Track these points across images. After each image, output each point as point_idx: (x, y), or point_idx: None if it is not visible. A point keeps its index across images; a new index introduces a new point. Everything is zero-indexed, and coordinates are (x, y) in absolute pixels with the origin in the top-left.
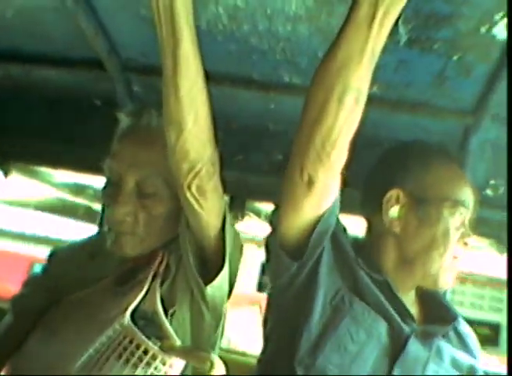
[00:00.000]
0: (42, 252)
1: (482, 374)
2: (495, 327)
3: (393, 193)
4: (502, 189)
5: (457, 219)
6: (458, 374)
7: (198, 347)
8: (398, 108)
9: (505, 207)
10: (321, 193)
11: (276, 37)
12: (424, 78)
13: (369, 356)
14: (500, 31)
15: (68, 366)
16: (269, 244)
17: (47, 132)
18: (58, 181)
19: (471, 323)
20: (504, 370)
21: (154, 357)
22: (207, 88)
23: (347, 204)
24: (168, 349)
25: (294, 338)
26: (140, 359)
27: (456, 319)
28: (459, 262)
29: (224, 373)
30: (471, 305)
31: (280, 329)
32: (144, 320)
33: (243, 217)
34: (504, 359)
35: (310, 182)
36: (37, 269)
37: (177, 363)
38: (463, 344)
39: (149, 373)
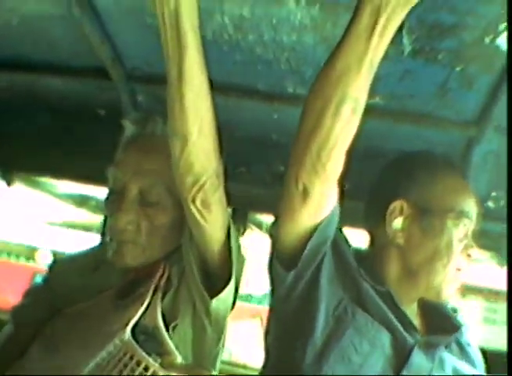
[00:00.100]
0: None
1: (482, 374)
2: None
3: (397, 204)
4: (504, 202)
5: (461, 231)
6: None
7: (199, 364)
8: (402, 119)
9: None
10: (317, 203)
11: (281, 47)
12: (428, 89)
13: (373, 367)
14: (504, 42)
15: None
16: (270, 257)
17: (51, 142)
18: (61, 192)
19: None
20: None
21: (155, 374)
22: (212, 98)
23: (350, 216)
24: (169, 366)
25: (296, 349)
26: None
27: (459, 330)
28: (462, 273)
29: None
30: None
31: (282, 341)
32: (144, 335)
33: (245, 229)
34: None
35: (305, 192)
36: (39, 280)
37: None
38: (465, 354)
39: None
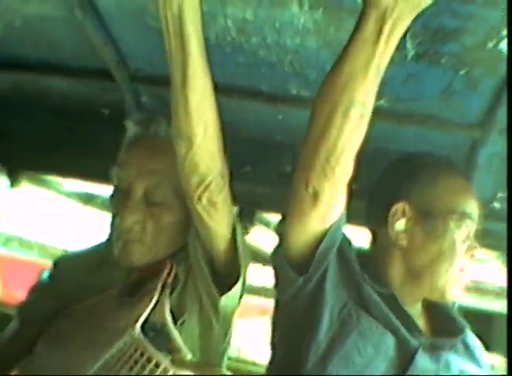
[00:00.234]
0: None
1: (483, 374)
2: None
3: (399, 206)
4: None
5: (463, 232)
6: None
7: (209, 362)
8: (406, 121)
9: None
10: (327, 206)
11: (285, 49)
12: (432, 92)
13: (376, 370)
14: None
15: None
16: (276, 255)
17: (55, 142)
18: (67, 190)
19: None
20: None
21: (166, 371)
22: (216, 100)
23: (356, 216)
24: (179, 363)
25: (301, 350)
26: (151, 373)
27: (464, 331)
28: (466, 274)
29: None
30: None
31: (287, 341)
32: (154, 332)
33: (251, 228)
34: None
35: (315, 196)
36: (45, 276)
37: None
38: (470, 355)
39: None
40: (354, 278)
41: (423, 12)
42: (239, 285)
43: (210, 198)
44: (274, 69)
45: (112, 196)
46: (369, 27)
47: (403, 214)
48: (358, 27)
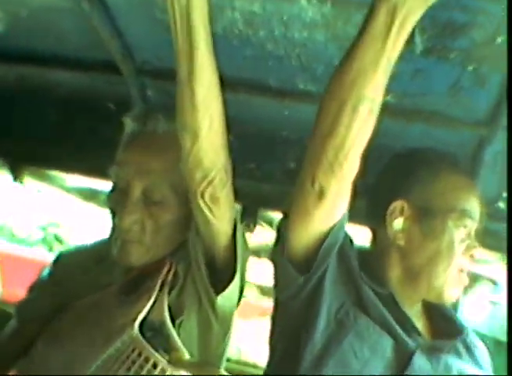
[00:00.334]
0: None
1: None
2: None
3: (397, 204)
4: None
5: (462, 231)
6: None
7: (207, 361)
8: (413, 117)
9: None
10: (332, 204)
11: (292, 43)
12: (439, 88)
13: (372, 373)
14: None
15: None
16: (276, 253)
17: (60, 135)
18: (70, 185)
19: None
20: None
21: (163, 371)
22: (222, 94)
23: (361, 214)
24: (177, 362)
25: (297, 350)
26: (149, 373)
27: (464, 333)
28: (466, 274)
29: None
30: None
31: (285, 340)
32: (151, 331)
33: (255, 226)
34: None
35: (321, 193)
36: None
37: None
38: (471, 356)
39: None
40: (352, 277)
41: (433, 6)
42: (234, 284)
43: (213, 193)
44: (281, 62)
45: (110, 192)
46: (380, 21)
47: (401, 212)
48: (367, 21)
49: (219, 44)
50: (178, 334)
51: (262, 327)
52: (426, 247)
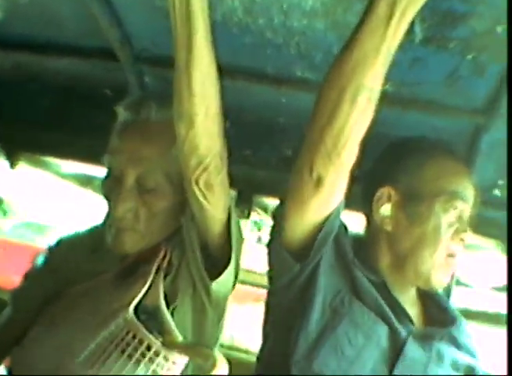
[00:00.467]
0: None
1: (482, 374)
2: None
3: (384, 191)
4: None
5: (451, 215)
6: (458, 375)
7: (201, 344)
8: (411, 106)
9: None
10: (329, 193)
11: (291, 31)
12: (438, 77)
13: (367, 361)
14: None
15: (70, 360)
16: (272, 241)
17: (57, 122)
18: (65, 172)
19: None
20: None
21: (157, 353)
22: (220, 81)
23: (353, 200)
24: (170, 345)
25: (291, 338)
26: (143, 355)
27: (456, 321)
28: (456, 260)
29: (227, 370)
30: None
31: (279, 328)
32: (146, 315)
33: (250, 213)
34: None
35: (319, 181)
36: (40, 260)
37: (179, 360)
38: (463, 345)
39: (151, 369)
40: (347, 265)
41: None
42: (229, 270)
43: (207, 180)
44: (280, 50)
45: (105, 179)
46: (380, 10)
47: (389, 199)
48: (368, 10)
49: (218, 31)
50: (173, 319)
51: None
52: (412, 232)
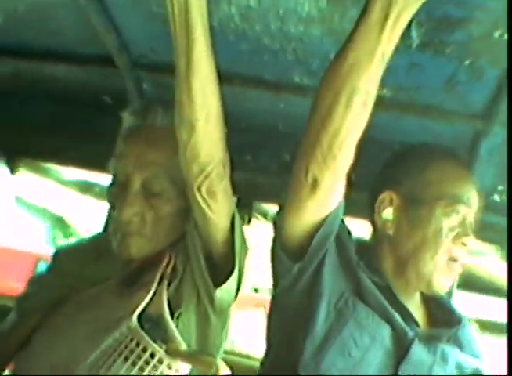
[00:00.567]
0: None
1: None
2: None
3: (386, 195)
4: None
5: (453, 219)
6: None
7: (203, 351)
8: (409, 111)
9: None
10: (325, 195)
11: (288, 37)
12: (436, 82)
13: (372, 361)
14: None
15: (74, 367)
16: (273, 245)
17: (55, 129)
18: (65, 178)
19: None
20: None
21: (160, 361)
22: (219, 87)
23: (356, 207)
24: (174, 353)
25: (297, 341)
26: (146, 363)
27: (461, 323)
28: (459, 264)
29: None
30: None
31: (283, 332)
32: (150, 323)
33: (250, 219)
34: None
35: (315, 184)
36: (42, 266)
37: (183, 368)
38: (468, 347)
39: None
40: (351, 267)
41: (429, 0)
42: (233, 277)
43: (210, 187)
44: (277, 57)
45: (110, 186)
46: (375, 14)
47: (390, 203)
48: (363, 13)
49: (215, 38)
50: (177, 327)
51: (256, 319)
52: (413, 236)
